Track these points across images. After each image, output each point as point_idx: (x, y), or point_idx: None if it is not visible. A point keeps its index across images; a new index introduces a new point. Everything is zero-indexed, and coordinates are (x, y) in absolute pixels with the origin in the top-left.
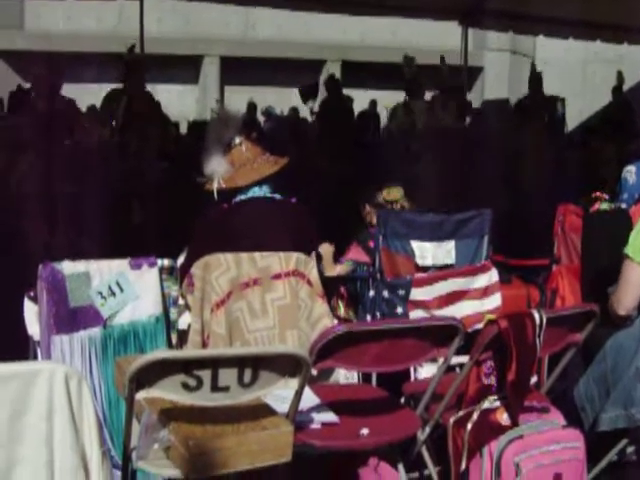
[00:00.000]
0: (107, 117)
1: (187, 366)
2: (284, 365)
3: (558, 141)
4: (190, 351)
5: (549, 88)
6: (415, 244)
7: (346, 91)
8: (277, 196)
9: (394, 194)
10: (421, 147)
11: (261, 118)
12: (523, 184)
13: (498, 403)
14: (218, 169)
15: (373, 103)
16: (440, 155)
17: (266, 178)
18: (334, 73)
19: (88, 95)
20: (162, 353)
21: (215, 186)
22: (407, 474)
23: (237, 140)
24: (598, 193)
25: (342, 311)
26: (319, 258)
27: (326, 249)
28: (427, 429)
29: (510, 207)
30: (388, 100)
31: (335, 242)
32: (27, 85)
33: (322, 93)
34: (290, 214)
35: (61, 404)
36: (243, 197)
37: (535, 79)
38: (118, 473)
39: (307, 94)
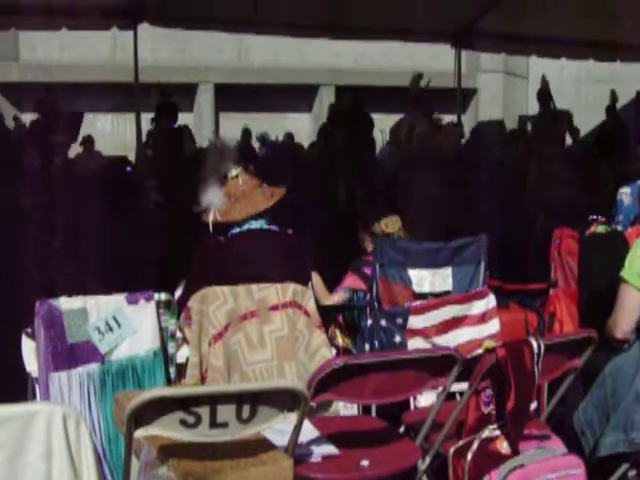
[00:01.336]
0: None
1: (185, 403)
2: (282, 400)
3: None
4: (187, 388)
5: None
6: (412, 272)
7: None
8: (273, 228)
9: (392, 226)
10: (417, 172)
11: (256, 144)
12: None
13: (498, 432)
14: (214, 201)
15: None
16: (436, 179)
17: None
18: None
19: (84, 125)
20: (159, 391)
21: (211, 218)
22: None
23: (234, 172)
24: (594, 216)
25: (340, 340)
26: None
27: (316, 278)
28: (427, 459)
29: (506, 231)
30: (383, 124)
31: (330, 271)
32: (22, 116)
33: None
34: (286, 245)
35: (59, 444)
36: (239, 229)
37: (544, 94)
38: None
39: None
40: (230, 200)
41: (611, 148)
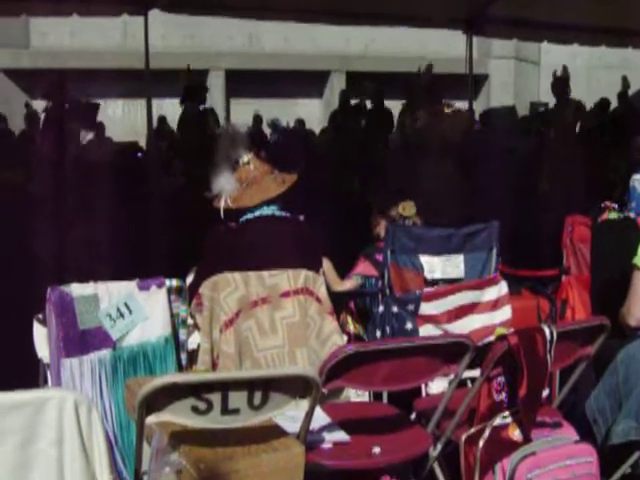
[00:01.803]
0: None
1: (196, 390)
2: (294, 387)
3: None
4: (199, 375)
5: None
6: (424, 258)
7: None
8: (285, 214)
9: (409, 209)
10: (428, 158)
11: (267, 130)
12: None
13: (510, 419)
14: (226, 187)
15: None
16: (448, 166)
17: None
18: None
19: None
20: (171, 378)
21: (222, 204)
22: None
23: (245, 158)
24: (607, 202)
25: (351, 326)
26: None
27: (327, 265)
28: (439, 446)
29: (518, 218)
30: (393, 111)
31: (341, 257)
32: (34, 103)
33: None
34: (298, 232)
35: (71, 431)
36: (251, 216)
37: (561, 84)
38: None
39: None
40: (241, 186)
41: (622, 135)
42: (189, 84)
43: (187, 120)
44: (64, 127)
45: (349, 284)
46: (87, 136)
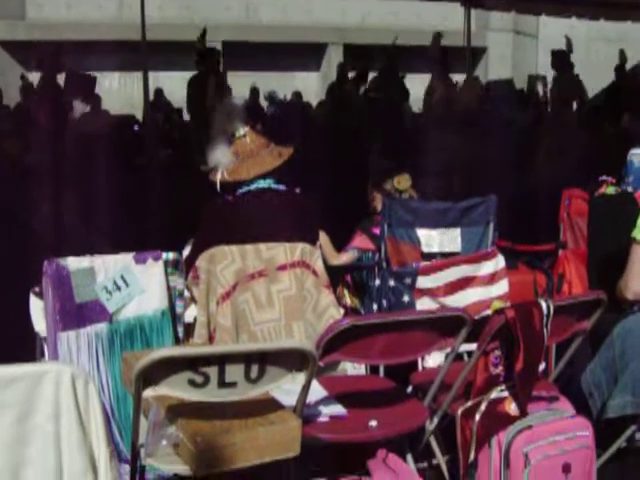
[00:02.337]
0: None
1: (193, 363)
2: (291, 360)
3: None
4: (196, 348)
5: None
6: (421, 232)
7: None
8: (281, 187)
9: (404, 183)
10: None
11: (264, 103)
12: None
13: (506, 393)
14: (222, 160)
15: None
16: (449, 139)
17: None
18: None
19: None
20: (168, 351)
21: (219, 177)
22: (415, 464)
23: (241, 131)
24: (604, 177)
25: (348, 300)
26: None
27: (323, 238)
28: (435, 419)
29: (515, 192)
30: None
31: (338, 230)
32: (30, 75)
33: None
34: (294, 205)
35: (68, 405)
36: (247, 189)
37: (562, 58)
38: (127, 468)
39: None
40: (238, 159)
41: (620, 109)
42: (202, 48)
43: (199, 85)
44: (60, 99)
45: (346, 257)
46: (84, 109)
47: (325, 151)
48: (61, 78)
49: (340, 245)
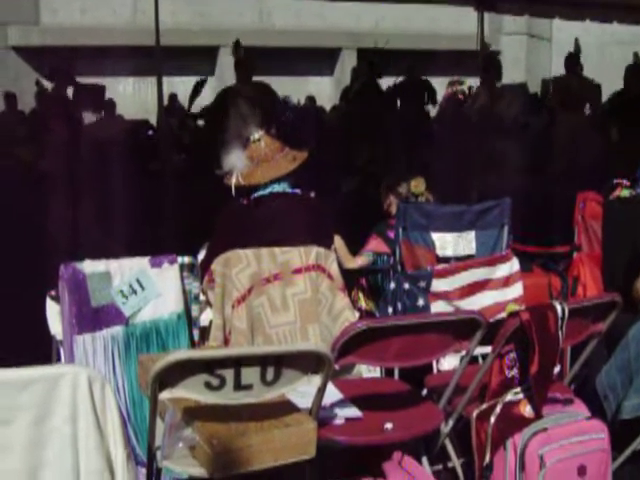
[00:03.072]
0: None
1: (210, 366)
2: (306, 362)
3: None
4: (212, 351)
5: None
6: (435, 235)
7: None
8: (296, 191)
9: (420, 186)
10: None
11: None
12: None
13: (521, 395)
14: (237, 164)
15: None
16: (460, 142)
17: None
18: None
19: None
20: (184, 353)
21: (233, 182)
22: (431, 467)
23: (256, 135)
24: (618, 179)
25: (363, 303)
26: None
27: (338, 242)
28: (450, 422)
29: (530, 195)
30: None
31: (353, 234)
32: (45, 81)
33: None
34: (309, 209)
35: (85, 407)
36: (262, 193)
37: (573, 60)
38: (143, 471)
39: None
40: (252, 163)
41: (633, 111)
42: (239, 58)
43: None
44: (72, 107)
45: (361, 261)
46: (95, 118)
47: (339, 155)
48: (69, 89)
49: (355, 249)
